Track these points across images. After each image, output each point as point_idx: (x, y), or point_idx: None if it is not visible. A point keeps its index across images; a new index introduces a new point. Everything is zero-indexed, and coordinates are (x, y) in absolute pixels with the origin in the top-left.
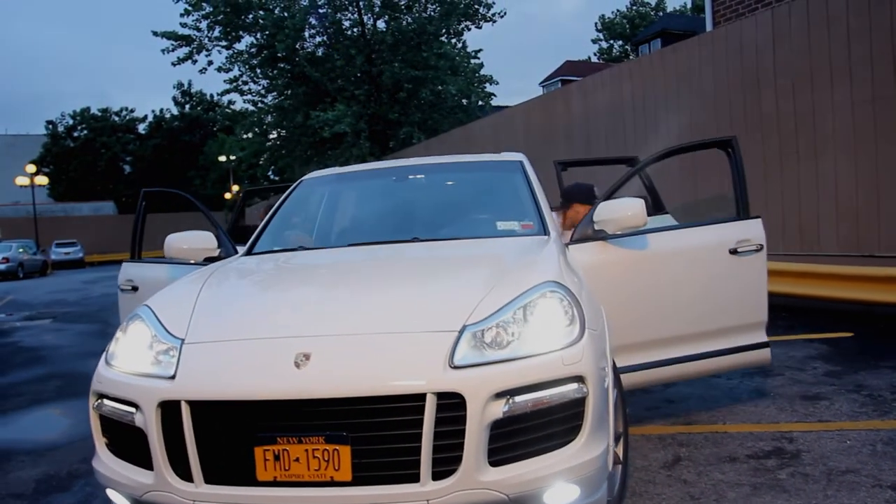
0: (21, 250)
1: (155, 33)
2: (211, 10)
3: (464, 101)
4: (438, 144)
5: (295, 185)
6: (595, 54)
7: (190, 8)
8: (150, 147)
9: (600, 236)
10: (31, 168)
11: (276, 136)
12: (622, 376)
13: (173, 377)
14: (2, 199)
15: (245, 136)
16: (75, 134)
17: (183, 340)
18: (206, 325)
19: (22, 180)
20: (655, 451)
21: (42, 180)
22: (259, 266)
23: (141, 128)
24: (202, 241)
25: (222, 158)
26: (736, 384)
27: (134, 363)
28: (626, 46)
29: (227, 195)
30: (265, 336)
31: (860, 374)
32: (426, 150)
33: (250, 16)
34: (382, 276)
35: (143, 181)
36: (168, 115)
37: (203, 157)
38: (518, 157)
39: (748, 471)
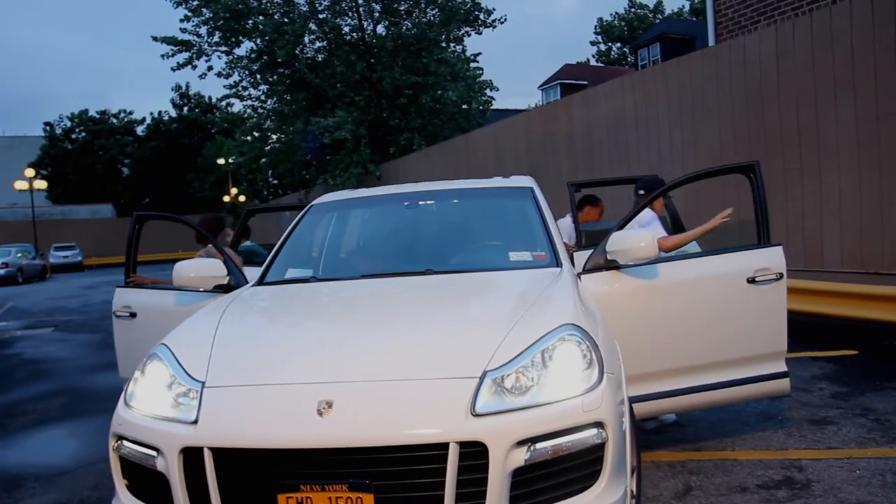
0: (20, 255)
1: (155, 38)
2: (211, 15)
3: (464, 106)
4: (439, 152)
5: (304, 210)
6: (593, 56)
7: (190, 14)
8: (149, 149)
9: (613, 266)
10: (30, 172)
11: (275, 139)
12: (635, 405)
13: (195, 422)
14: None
15: (245, 139)
16: (73, 136)
17: (203, 383)
18: (225, 367)
19: (21, 185)
20: (666, 480)
21: (41, 184)
22: (274, 299)
23: (139, 130)
24: (212, 269)
25: (221, 161)
26: (743, 407)
27: (154, 405)
28: (625, 49)
29: (226, 198)
30: (287, 381)
31: (867, 395)
32: (427, 157)
33: (250, 21)
34: (400, 314)
35: (142, 183)
36: (166, 118)
37: (201, 160)
38: (528, 182)
39: (759, 502)
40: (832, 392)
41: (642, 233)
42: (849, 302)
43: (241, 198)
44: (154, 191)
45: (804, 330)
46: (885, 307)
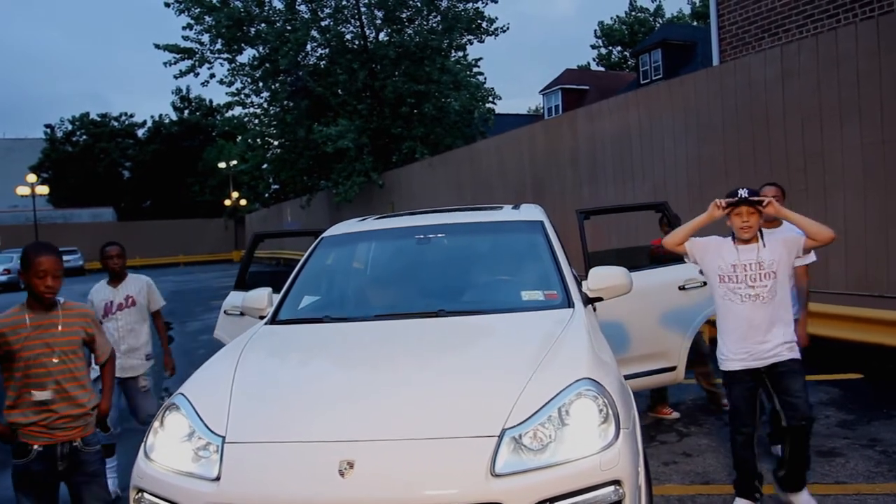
0: None
1: (157, 46)
2: (213, 23)
3: (466, 114)
4: (442, 163)
5: (315, 244)
6: (594, 59)
7: (192, 22)
8: (150, 152)
9: (598, 300)
10: (32, 177)
11: (277, 145)
12: None
13: (217, 478)
14: (0, 204)
15: (248, 143)
16: (74, 139)
17: (224, 437)
18: (245, 421)
19: (23, 190)
20: None
21: (42, 189)
22: (289, 343)
23: (140, 133)
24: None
25: (222, 165)
26: None
27: (174, 459)
28: (626, 53)
29: (227, 202)
30: (308, 439)
31: (873, 424)
32: (430, 167)
33: (252, 29)
34: (417, 365)
35: (143, 187)
36: (167, 121)
37: (202, 163)
38: (538, 216)
39: None
40: (838, 420)
41: (617, 270)
42: (853, 325)
43: (243, 202)
44: (155, 194)
45: (808, 352)
46: (890, 331)
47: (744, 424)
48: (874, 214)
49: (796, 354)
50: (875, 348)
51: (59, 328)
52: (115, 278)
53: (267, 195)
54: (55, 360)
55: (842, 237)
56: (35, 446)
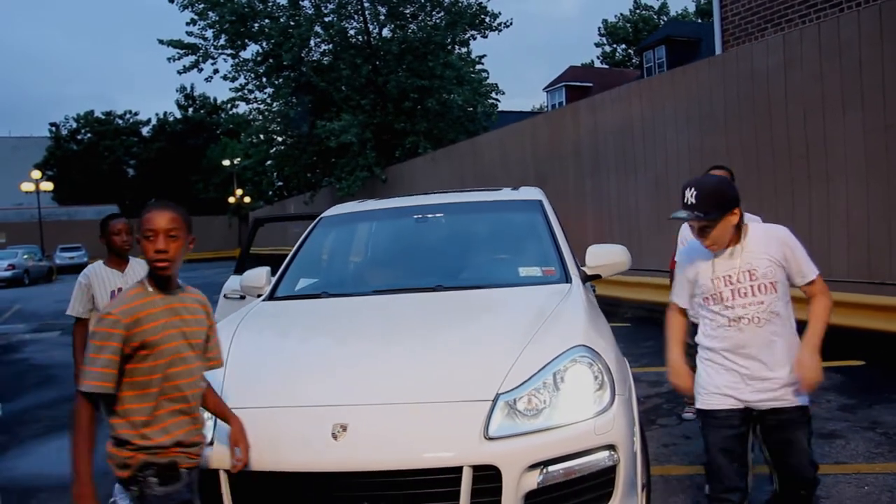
0: (26, 256)
1: (161, 42)
2: (217, 19)
3: (469, 109)
4: (445, 156)
5: (314, 223)
6: (598, 58)
7: (196, 17)
8: (154, 150)
9: (596, 277)
10: (37, 174)
11: (281, 141)
12: None
13: (210, 444)
14: (5, 202)
15: (250, 140)
16: (79, 137)
17: None
18: (239, 389)
19: (27, 186)
20: (675, 495)
21: (47, 186)
22: (285, 316)
23: (144, 131)
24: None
25: (226, 163)
26: None
27: None
28: (630, 50)
29: (231, 199)
30: (302, 404)
31: (874, 408)
32: (433, 161)
33: (256, 25)
34: (412, 334)
35: (147, 185)
36: (171, 119)
37: (206, 161)
38: (537, 195)
39: None
40: (840, 404)
41: (616, 247)
42: (856, 312)
43: (247, 199)
44: (159, 192)
45: None
46: (893, 318)
47: (727, 489)
48: (877, 202)
49: (804, 400)
50: (878, 335)
51: (188, 316)
52: (120, 259)
53: (270, 193)
54: (193, 356)
55: (844, 225)
56: (182, 469)
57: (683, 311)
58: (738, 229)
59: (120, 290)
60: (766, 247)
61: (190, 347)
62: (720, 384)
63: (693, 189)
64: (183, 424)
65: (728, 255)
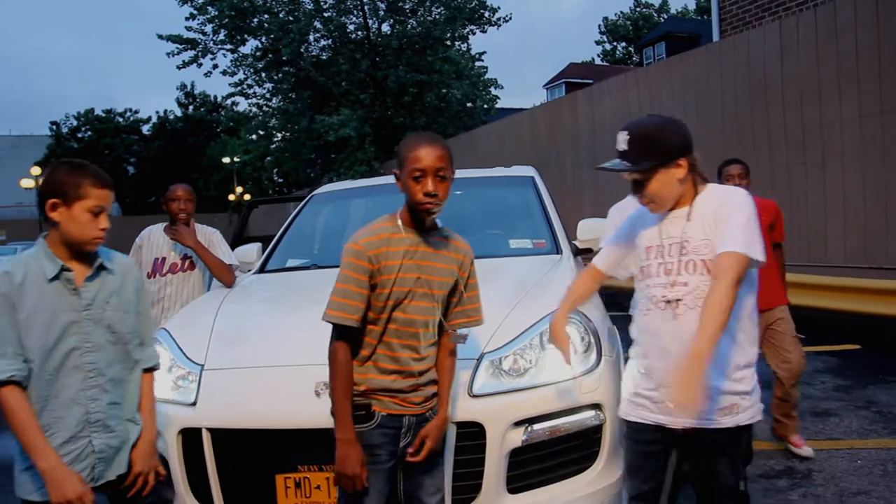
0: None
1: (160, 36)
2: (216, 13)
3: (468, 104)
4: None
5: (306, 200)
6: (598, 55)
7: (195, 12)
8: (155, 148)
9: (585, 251)
10: (37, 170)
11: (280, 137)
12: None
13: (194, 404)
14: (6, 200)
15: (250, 137)
16: (79, 135)
17: (202, 366)
18: (224, 350)
19: (27, 182)
20: None
21: None
22: (273, 286)
23: (145, 129)
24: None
25: (226, 160)
26: None
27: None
28: (630, 48)
29: (231, 197)
30: (285, 363)
31: (869, 388)
32: None
33: (255, 20)
34: None
35: (147, 182)
36: (172, 117)
37: (206, 159)
38: (529, 171)
39: (759, 491)
40: (835, 385)
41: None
42: (852, 296)
43: (247, 196)
44: (160, 189)
45: (807, 324)
46: (889, 301)
47: (643, 481)
48: (873, 186)
49: (740, 418)
50: (873, 320)
51: (438, 263)
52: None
53: (270, 191)
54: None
55: (840, 210)
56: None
57: (597, 275)
58: (694, 189)
59: (163, 261)
60: (712, 214)
61: (428, 298)
62: (632, 388)
63: (626, 133)
64: (406, 373)
65: (670, 221)
